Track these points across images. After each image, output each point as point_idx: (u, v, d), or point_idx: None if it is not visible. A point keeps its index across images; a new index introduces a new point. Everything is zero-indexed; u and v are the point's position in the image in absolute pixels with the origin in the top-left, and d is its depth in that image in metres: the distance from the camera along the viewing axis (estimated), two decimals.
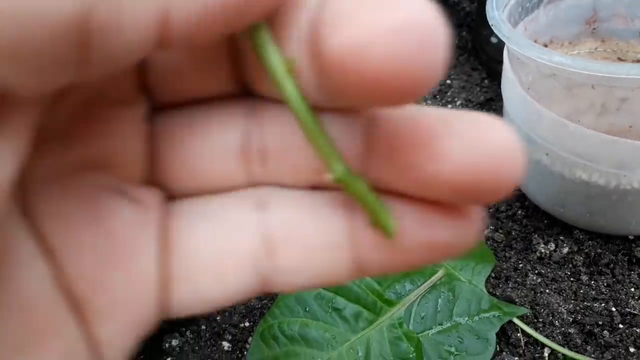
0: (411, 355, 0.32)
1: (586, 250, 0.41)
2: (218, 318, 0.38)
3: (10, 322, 0.12)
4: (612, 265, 0.40)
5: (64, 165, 0.13)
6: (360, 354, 0.32)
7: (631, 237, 0.41)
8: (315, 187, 0.14)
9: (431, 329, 0.35)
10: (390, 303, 0.34)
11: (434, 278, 0.36)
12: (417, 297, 0.35)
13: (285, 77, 0.12)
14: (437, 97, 0.57)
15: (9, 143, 0.11)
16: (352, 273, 0.14)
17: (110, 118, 0.14)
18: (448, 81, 0.58)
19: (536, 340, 0.36)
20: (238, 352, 0.36)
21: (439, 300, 0.35)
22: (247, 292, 0.14)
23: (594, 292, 0.38)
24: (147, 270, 0.14)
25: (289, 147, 0.14)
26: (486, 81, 0.56)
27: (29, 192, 0.13)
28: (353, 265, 0.13)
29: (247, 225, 0.14)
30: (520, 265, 0.40)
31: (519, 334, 0.36)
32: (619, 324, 0.37)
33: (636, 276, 0.39)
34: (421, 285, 0.36)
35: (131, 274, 0.14)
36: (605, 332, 0.36)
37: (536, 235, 0.42)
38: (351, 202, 0.13)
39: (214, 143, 0.15)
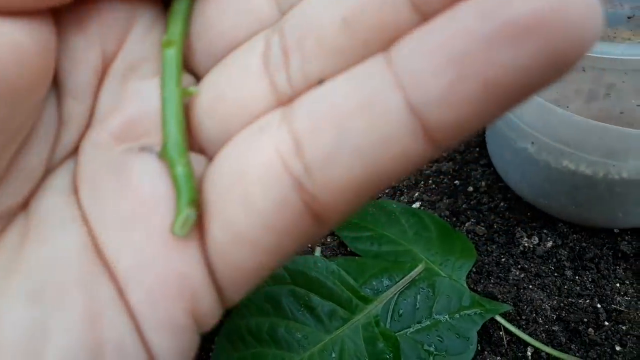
0: (388, 356, 0.30)
1: (570, 244, 0.39)
2: None
3: (44, 280, 0.13)
4: (597, 259, 0.38)
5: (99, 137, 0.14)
6: (333, 355, 0.30)
7: (616, 231, 0.39)
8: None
9: (410, 327, 0.33)
10: (366, 300, 0.32)
11: (413, 273, 0.34)
12: (395, 294, 0.33)
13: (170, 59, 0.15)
14: None
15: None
16: (415, 137, 0.11)
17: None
18: None
19: (519, 338, 0.34)
20: (202, 353, 0.33)
21: (418, 297, 0.33)
22: (288, 213, 0.13)
23: (578, 288, 0.37)
24: (169, 220, 0.14)
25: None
26: None
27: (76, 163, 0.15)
28: (412, 121, 0.11)
29: (271, 120, 0.13)
30: (503, 259, 0.39)
31: (501, 332, 0.35)
32: (604, 321, 0.35)
33: (622, 271, 0.38)
34: (399, 280, 0.34)
35: (155, 230, 0.13)
36: (590, 329, 0.35)
37: (519, 229, 0.40)
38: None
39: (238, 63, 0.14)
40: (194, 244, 0.14)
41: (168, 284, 0.13)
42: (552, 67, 0.10)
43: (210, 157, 0.15)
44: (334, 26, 0.13)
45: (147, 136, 0.15)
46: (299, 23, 0.13)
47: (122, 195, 0.14)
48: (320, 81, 0.13)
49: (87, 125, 0.15)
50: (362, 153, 0.12)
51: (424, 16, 0.12)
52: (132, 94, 0.15)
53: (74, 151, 0.15)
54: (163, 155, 0.14)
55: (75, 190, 0.15)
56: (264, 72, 0.14)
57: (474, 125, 0.11)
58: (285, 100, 0.14)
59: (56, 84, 0.15)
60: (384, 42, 0.12)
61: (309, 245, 0.38)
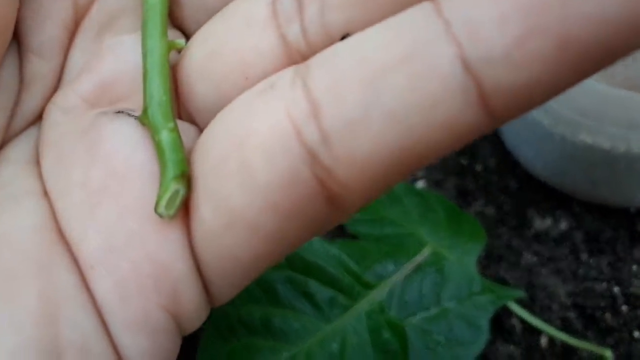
0: (394, 346, 0.28)
1: (586, 226, 0.38)
2: None
3: None
4: (613, 242, 0.37)
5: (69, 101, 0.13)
6: (334, 346, 0.28)
7: (632, 210, 0.38)
8: None
9: (416, 315, 0.31)
10: (369, 286, 0.30)
11: (419, 257, 0.32)
12: (401, 279, 0.31)
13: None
14: None
15: None
16: (468, 102, 0.09)
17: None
18: None
19: (532, 326, 0.33)
20: (188, 344, 0.31)
21: (425, 283, 0.31)
22: (296, 191, 0.10)
23: (594, 272, 0.35)
24: (149, 199, 0.12)
25: None
26: None
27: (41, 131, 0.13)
28: (465, 82, 0.09)
29: (282, 78, 0.11)
30: (514, 243, 0.37)
31: (513, 320, 0.33)
32: (621, 305, 0.34)
33: (639, 253, 0.36)
34: (405, 265, 0.32)
35: (129, 206, 0.12)
36: (607, 315, 0.34)
37: (531, 210, 0.38)
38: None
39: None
40: (177, 227, 0.12)
41: (143, 274, 0.11)
42: None
43: (202, 129, 0.13)
44: None
45: (125, 100, 0.13)
46: None
47: (91, 165, 0.12)
48: (345, 36, 0.11)
49: (55, 87, 0.14)
50: (397, 119, 0.10)
51: None
52: (109, 51, 0.13)
53: (39, 117, 0.14)
54: (144, 119, 0.12)
55: (37, 161, 0.13)
56: (271, 22, 0.12)
57: (542, 93, 0.09)
58: (299, 58, 0.11)
59: (17, 40, 0.13)
60: None
61: None
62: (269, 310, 0.29)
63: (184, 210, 0.12)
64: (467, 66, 0.09)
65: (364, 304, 0.29)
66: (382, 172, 0.10)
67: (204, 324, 0.29)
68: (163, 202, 0.11)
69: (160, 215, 0.11)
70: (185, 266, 0.12)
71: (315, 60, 0.11)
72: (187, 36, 0.14)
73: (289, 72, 0.11)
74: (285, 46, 0.12)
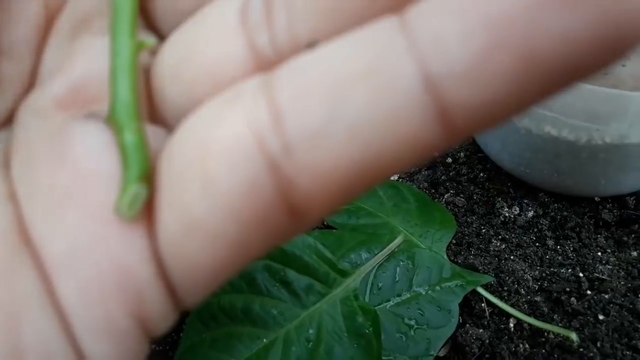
0: (367, 331, 0.29)
1: (552, 214, 0.38)
2: None
3: None
4: (578, 228, 0.38)
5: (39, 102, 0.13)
6: (311, 332, 0.28)
7: (597, 199, 0.39)
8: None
9: (389, 300, 0.31)
10: (344, 274, 0.31)
11: (392, 245, 0.33)
12: (374, 267, 0.32)
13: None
14: None
15: None
16: (427, 119, 0.09)
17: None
18: None
19: (501, 310, 0.33)
20: (173, 334, 0.32)
21: (398, 270, 0.32)
22: (257, 201, 0.10)
23: (560, 258, 0.36)
24: (114, 200, 0.11)
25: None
26: None
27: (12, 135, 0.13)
28: (426, 98, 0.09)
29: (247, 87, 0.11)
30: (483, 230, 0.38)
31: (482, 304, 0.34)
32: (586, 290, 0.35)
33: (603, 239, 0.37)
34: (378, 253, 0.32)
35: (94, 211, 0.11)
36: (572, 299, 0.34)
37: (499, 199, 0.39)
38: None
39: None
40: (141, 232, 0.11)
41: (106, 277, 0.11)
42: (609, 45, 0.08)
43: (172, 131, 0.12)
44: None
45: (98, 102, 0.12)
46: None
47: (59, 169, 0.11)
48: (312, 44, 0.10)
49: (27, 89, 0.13)
50: (359, 132, 0.09)
51: None
52: (81, 53, 0.13)
53: (9, 119, 0.13)
54: (110, 120, 0.12)
55: (6, 164, 0.12)
56: (241, 30, 0.11)
57: (505, 110, 0.09)
58: (267, 66, 0.11)
59: None
60: (395, 1, 0.10)
61: None
62: (249, 298, 0.29)
63: (149, 215, 0.11)
64: (428, 82, 0.09)
65: (339, 291, 0.30)
66: (344, 184, 0.10)
67: (187, 313, 0.30)
68: (124, 203, 0.11)
69: (121, 216, 0.11)
70: (149, 271, 0.11)
71: (281, 70, 0.10)
72: (162, 38, 0.13)
73: (254, 80, 0.11)
74: (254, 53, 0.11)
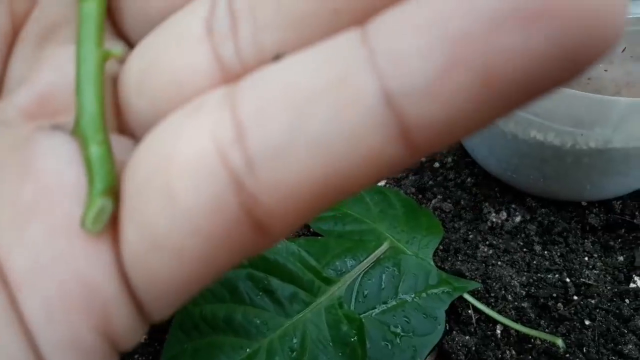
0: (352, 339, 0.28)
1: (539, 219, 0.38)
2: None
3: None
4: (565, 233, 0.38)
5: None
6: (295, 341, 0.28)
7: (584, 204, 0.39)
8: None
9: (375, 308, 0.31)
10: (329, 281, 0.30)
11: (378, 252, 0.33)
12: (360, 274, 0.32)
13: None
14: None
15: None
16: (388, 136, 0.09)
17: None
18: None
19: (488, 316, 0.33)
20: (156, 344, 0.31)
21: (384, 277, 0.32)
22: (220, 217, 0.10)
23: (547, 263, 0.36)
24: (78, 214, 0.11)
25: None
26: None
27: None
28: (386, 115, 0.09)
29: (210, 101, 0.11)
30: (471, 236, 0.37)
31: (469, 311, 0.34)
32: (573, 295, 0.35)
33: (590, 244, 0.37)
34: (364, 260, 0.32)
35: (58, 225, 0.11)
36: (559, 304, 0.34)
37: (487, 204, 0.39)
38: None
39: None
40: (106, 246, 0.11)
41: (71, 293, 0.11)
42: (566, 63, 0.08)
43: (138, 142, 0.12)
44: None
45: (64, 113, 0.12)
46: None
47: (22, 182, 0.11)
48: (277, 56, 0.10)
49: None
50: (321, 148, 0.09)
51: None
52: (48, 63, 0.13)
53: None
54: (76, 131, 0.12)
55: None
56: (206, 40, 0.11)
57: (465, 127, 0.09)
58: (233, 76, 0.11)
59: None
60: (359, 13, 0.10)
61: None
62: (232, 308, 0.29)
63: (113, 229, 0.11)
64: (389, 98, 0.09)
65: (324, 300, 0.30)
66: (307, 200, 0.10)
67: (169, 323, 0.29)
68: (89, 217, 0.11)
69: (86, 230, 0.11)
70: (114, 286, 0.11)
71: (244, 83, 0.10)
72: (131, 46, 0.13)
73: (218, 93, 0.11)
74: (219, 64, 0.11)
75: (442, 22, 0.08)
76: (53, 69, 0.13)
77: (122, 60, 0.13)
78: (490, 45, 0.08)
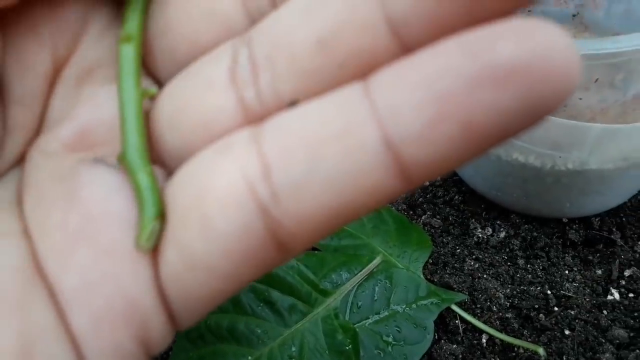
0: (347, 348, 0.30)
1: (522, 234, 0.40)
2: None
3: None
4: (547, 248, 0.40)
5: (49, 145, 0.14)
6: (294, 349, 0.30)
7: (565, 220, 0.41)
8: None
9: (368, 318, 0.33)
10: (325, 293, 0.32)
11: (372, 265, 0.35)
12: (354, 286, 0.34)
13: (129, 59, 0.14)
14: None
15: None
16: (388, 172, 0.11)
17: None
18: None
19: (474, 326, 0.35)
20: (162, 352, 0.33)
21: (376, 289, 0.34)
22: (250, 240, 0.12)
23: (530, 276, 0.38)
24: (122, 242, 0.13)
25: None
26: None
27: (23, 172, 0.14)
28: (386, 156, 0.11)
29: (239, 140, 0.12)
30: (458, 250, 0.39)
31: (457, 321, 0.36)
32: (554, 306, 0.37)
33: (570, 258, 0.39)
34: (358, 273, 0.34)
35: (104, 248, 0.12)
36: (541, 315, 0.36)
37: (473, 220, 0.41)
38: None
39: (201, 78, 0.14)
40: (146, 266, 0.13)
41: (116, 308, 0.12)
42: (532, 112, 0.10)
43: (170, 171, 0.14)
44: (308, 46, 0.12)
45: (102, 146, 0.14)
46: (269, 39, 0.13)
47: (70, 209, 0.13)
48: (293, 102, 0.12)
49: (36, 132, 0.14)
50: (332, 184, 0.11)
51: (403, 43, 0.11)
52: (87, 101, 0.14)
53: (20, 160, 0.14)
54: (122, 161, 0.13)
55: (19, 202, 0.13)
56: (231, 86, 0.13)
57: (450, 165, 0.11)
58: (254, 117, 0.13)
59: (0, 90, 0.14)
60: (361, 67, 0.12)
61: None
62: (235, 318, 0.31)
63: (153, 252, 0.13)
64: (388, 143, 0.11)
65: (321, 310, 0.32)
66: (322, 224, 0.12)
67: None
68: (143, 238, 0.12)
69: (140, 249, 0.12)
70: (152, 301, 0.13)
71: (268, 127, 0.12)
72: (159, 83, 0.15)
73: (244, 134, 0.12)
74: (242, 106, 0.13)
75: (432, 81, 0.10)
76: (92, 107, 0.14)
77: (152, 98, 0.15)
78: (470, 101, 0.10)
